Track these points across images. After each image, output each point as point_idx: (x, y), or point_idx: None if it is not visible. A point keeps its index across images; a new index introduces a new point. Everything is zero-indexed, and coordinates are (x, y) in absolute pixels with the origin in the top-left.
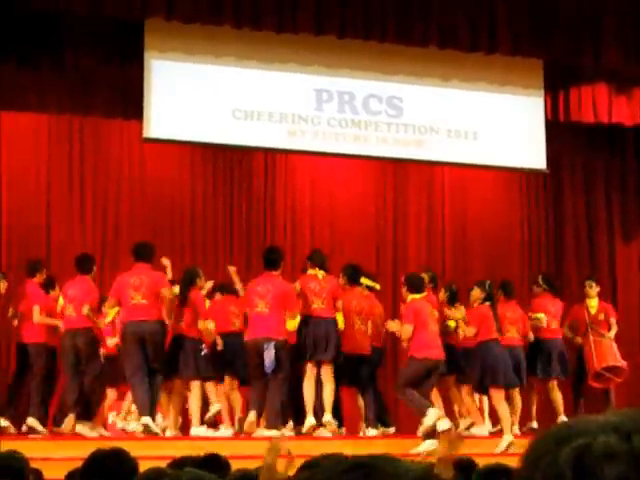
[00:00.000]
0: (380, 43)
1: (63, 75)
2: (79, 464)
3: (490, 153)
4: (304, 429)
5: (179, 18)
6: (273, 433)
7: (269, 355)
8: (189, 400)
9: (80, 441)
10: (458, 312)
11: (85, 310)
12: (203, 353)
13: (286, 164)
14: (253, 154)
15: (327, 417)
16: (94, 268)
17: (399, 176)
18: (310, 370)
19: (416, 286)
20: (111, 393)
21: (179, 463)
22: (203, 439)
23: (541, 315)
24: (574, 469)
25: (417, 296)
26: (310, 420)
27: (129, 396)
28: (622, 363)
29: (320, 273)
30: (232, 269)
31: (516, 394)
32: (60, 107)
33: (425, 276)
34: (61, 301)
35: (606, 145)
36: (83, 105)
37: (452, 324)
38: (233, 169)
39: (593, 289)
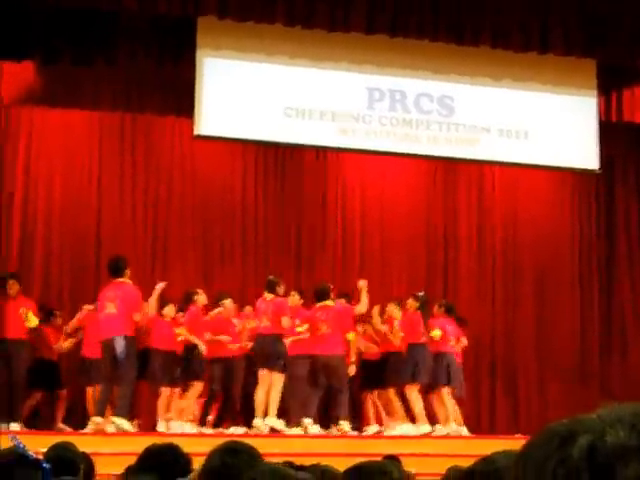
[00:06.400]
0: (432, 42)
1: (116, 72)
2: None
3: (542, 153)
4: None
5: (231, 16)
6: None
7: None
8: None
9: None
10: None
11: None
12: None
13: (337, 162)
14: (304, 152)
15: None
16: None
17: (449, 175)
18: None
19: None
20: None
21: None
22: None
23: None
24: (590, 469)
25: None
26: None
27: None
28: None
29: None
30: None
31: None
32: (113, 104)
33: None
34: None
35: None
36: (135, 102)
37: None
38: (284, 167)
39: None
